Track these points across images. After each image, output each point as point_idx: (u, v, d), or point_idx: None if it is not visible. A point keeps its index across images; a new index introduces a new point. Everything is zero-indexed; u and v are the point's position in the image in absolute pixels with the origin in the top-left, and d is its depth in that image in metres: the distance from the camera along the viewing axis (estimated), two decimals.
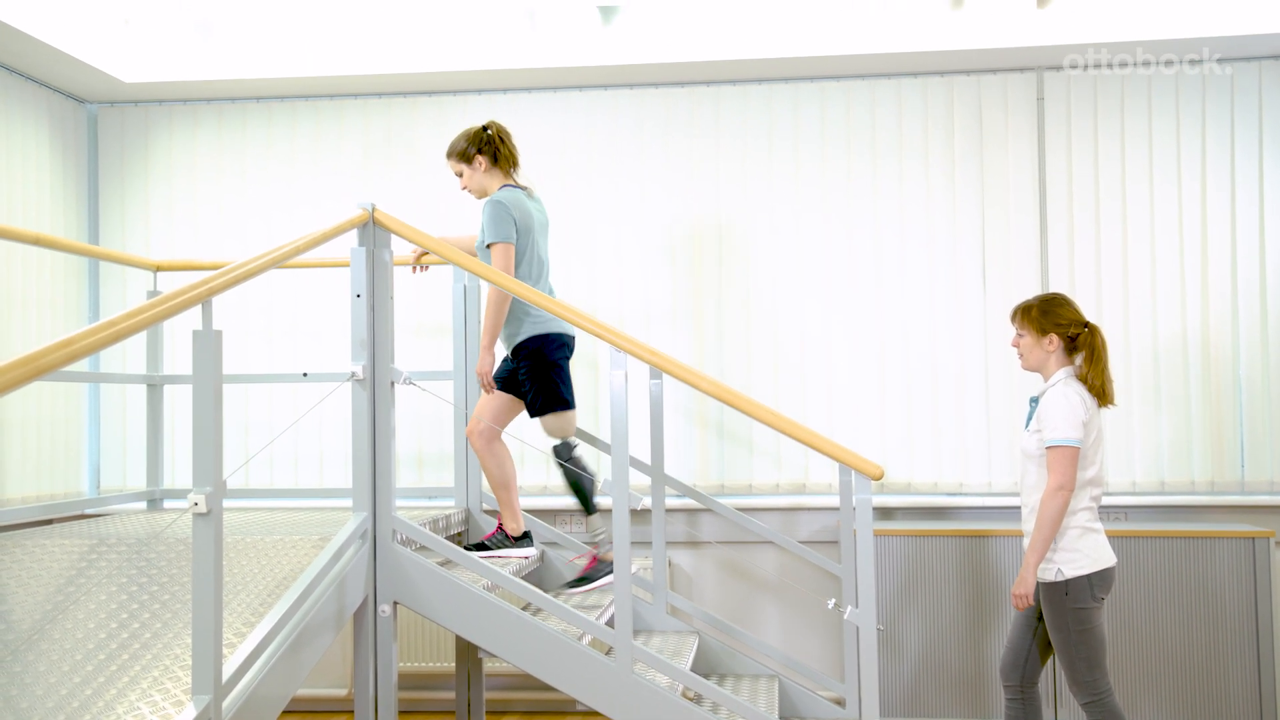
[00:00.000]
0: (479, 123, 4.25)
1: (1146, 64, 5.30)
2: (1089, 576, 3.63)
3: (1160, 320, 5.27)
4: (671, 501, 5.15)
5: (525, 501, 5.24)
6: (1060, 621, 3.65)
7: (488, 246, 4.05)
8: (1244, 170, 5.25)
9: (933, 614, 4.96)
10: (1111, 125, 5.34)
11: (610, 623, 3.67)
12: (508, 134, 4.24)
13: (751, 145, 5.48)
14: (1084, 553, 3.65)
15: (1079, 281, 5.30)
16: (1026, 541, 3.76)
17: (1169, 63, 5.28)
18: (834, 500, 5.21)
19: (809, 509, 5.35)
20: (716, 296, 5.46)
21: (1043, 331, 3.78)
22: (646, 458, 4.29)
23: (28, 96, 5.23)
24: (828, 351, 5.41)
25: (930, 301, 5.37)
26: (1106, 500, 5.14)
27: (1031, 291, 5.21)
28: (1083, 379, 3.74)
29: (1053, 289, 5.27)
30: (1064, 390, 3.69)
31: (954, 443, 5.32)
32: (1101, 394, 3.73)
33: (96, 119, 5.73)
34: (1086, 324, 3.77)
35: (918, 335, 5.37)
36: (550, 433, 4.19)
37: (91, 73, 5.21)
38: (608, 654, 3.48)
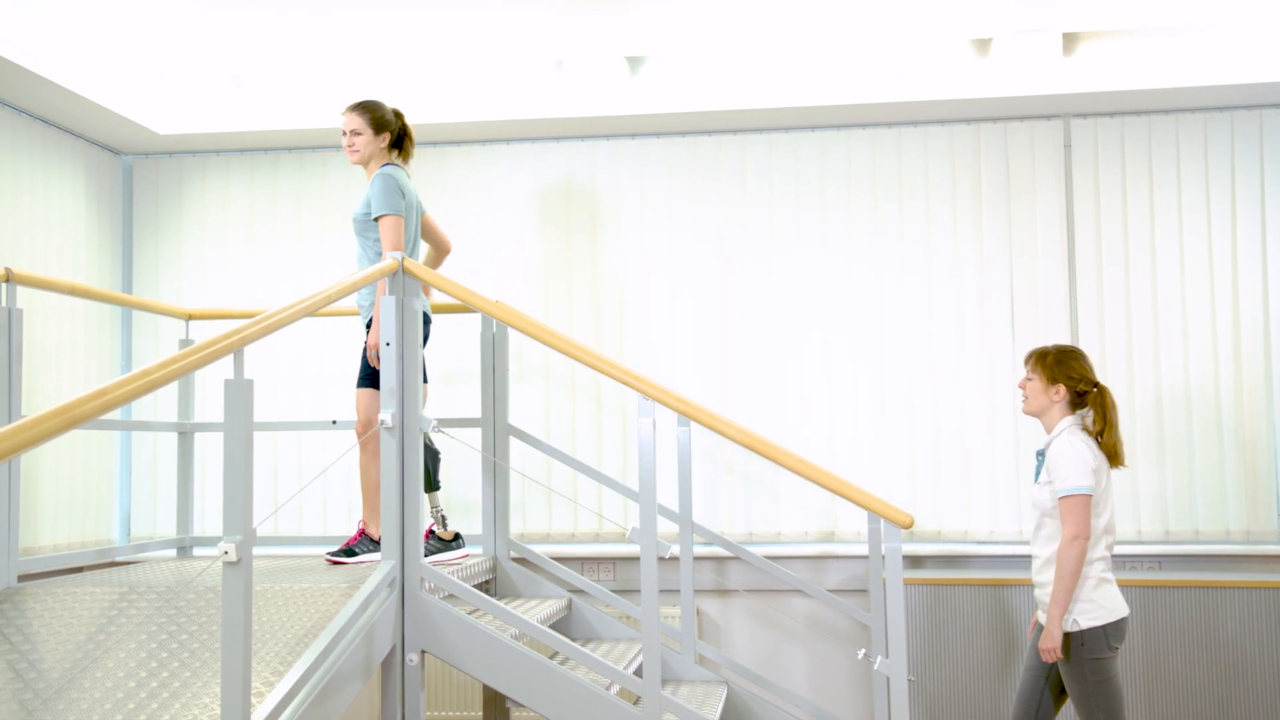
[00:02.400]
0: (391, 105, 4.38)
1: (1174, 111, 5.30)
2: (1104, 627, 3.62)
3: (1192, 366, 5.23)
4: (699, 549, 5.13)
5: (554, 549, 5.25)
6: (1078, 673, 3.63)
7: (375, 219, 4.10)
8: (1274, 215, 5.23)
9: (964, 664, 4.90)
10: (1139, 171, 5.33)
11: (639, 672, 3.64)
12: (411, 135, 4.42)
13: (778, 193, 5.50)
14: (1099, 603, 3.64)
15: (1108, 328, 5.27)
16: (1039, 593, 3.78)
17: (1196, 109, 5.29)
18: (863, 548, 5.17)
19: (838, 557, 5.31)
20: (745, 343, 5.46)
21: (1053, 380, 3.79)
22: (674, 505, 4.27)
23: (65, 148, 5.33)
24: (855, 398, 5.39)
25: (959, 348, 5.36)
26: (1140, 550, 5.10)
27: (1061, 337, 5.20)
28: (1095, 437, 3.75)
29: (1082, 335, 5.25)
30: (1070, 439, 3.70)
31: (984, 491, 5.28)
32: (1114, 455, 3.75)
33: (132, 170, 5.82)
34: (1096, 384, 3.79)
35: (947, 382, 5.35)
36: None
37: (127, 125, 5.31)
38: (636, 704, 3.46)
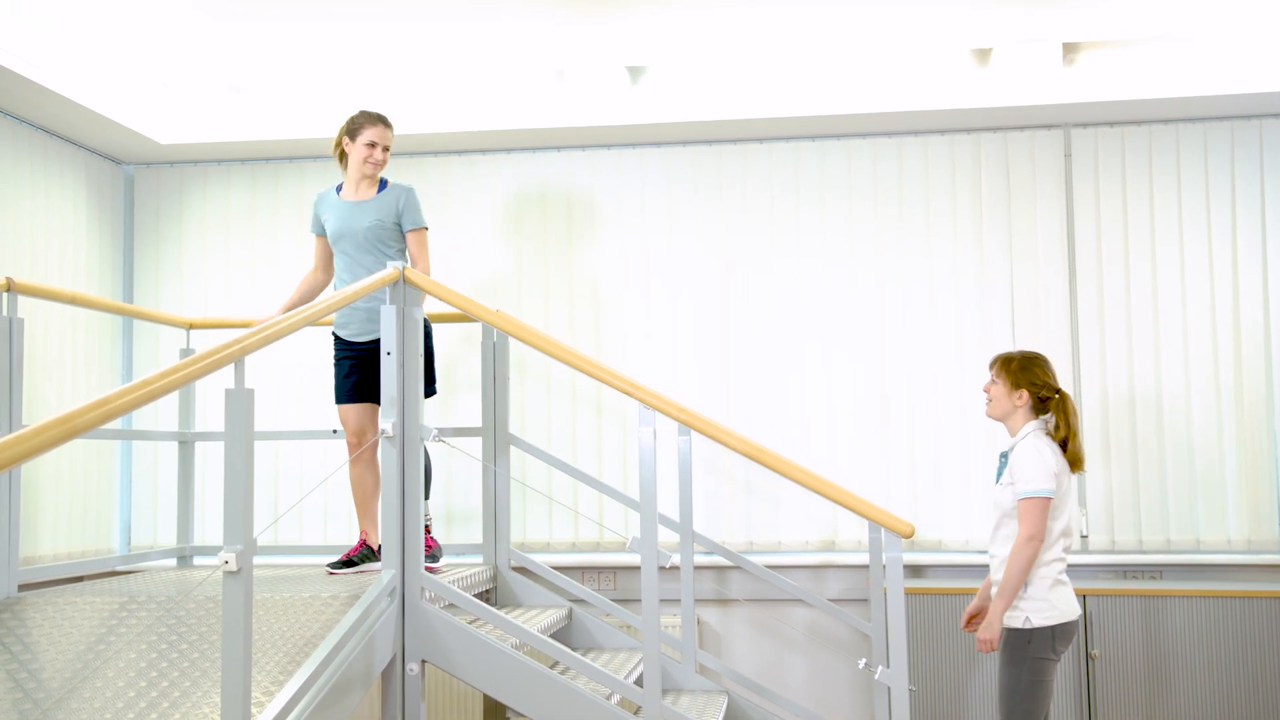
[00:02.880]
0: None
1: (1174, 120, 5.31)
2: (1053, 628, 3.66)
3: (1193, 374, 5.23)
4: (700, 559, 5.12)
5: (554, 559, 5.25)
6: (1017, 669, 3.67)
7: (410, 231, 4.26)
8: (1274, 224, 5.23)
9: (965, 674, 4.89)
10: (1139, 181, 5.33)
11: (639, 681, 3.64)
12: None
13: (779, 202, 5.51)
14: (1053, 604, 3.68)
15: (1109, 336, 5.27)
16: (994, 591, 3.79)
17: (1196, 119, 5.29)
18: (864, 558, 5.16)
19: (838, 566, 5.30)
20: (746, 351, 5.46)
21: (1016, 385, 3.84)
22: (674, 514, 4.27)
23: (66, 158, 5.33)
24: (856, 407, 5.39)
25: (960, 358, 5.36)
26: (1141, 559, 5.10)
27: (1063, 346, 5.21)
28: (1059, 442, 3.78)
29: (1083, 344, 5.26)
30: (1035, 443, 3.75)
31: (985, 500, 5.27)
32: (1075, 461, 3.80)
33: (133, 179, 5.83)
34: (1058, 390, 3.84)
35: (948, 392, 5.35)
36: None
37: (128, 134, 5.31)
38: (637, 713, 3.45)
